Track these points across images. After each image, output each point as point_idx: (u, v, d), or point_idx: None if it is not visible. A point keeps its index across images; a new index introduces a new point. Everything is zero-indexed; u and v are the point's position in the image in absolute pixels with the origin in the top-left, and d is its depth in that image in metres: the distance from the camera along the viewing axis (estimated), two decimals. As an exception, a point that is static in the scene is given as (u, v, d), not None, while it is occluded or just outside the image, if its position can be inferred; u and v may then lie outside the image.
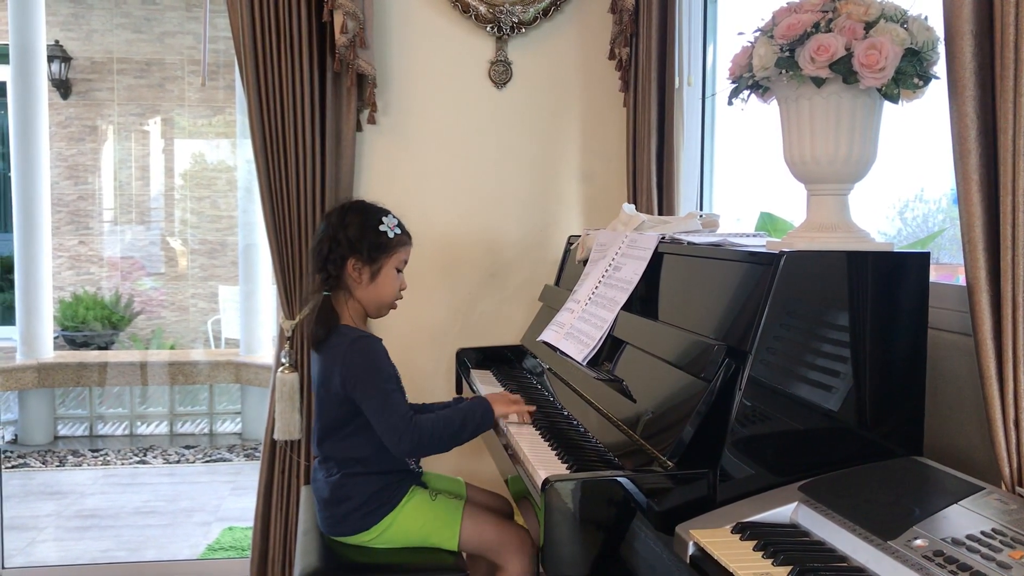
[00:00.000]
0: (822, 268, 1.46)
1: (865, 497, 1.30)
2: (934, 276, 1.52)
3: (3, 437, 5.56)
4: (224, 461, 5.27)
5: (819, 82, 1.44)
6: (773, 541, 1.20)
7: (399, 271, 2.06)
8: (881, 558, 1.10)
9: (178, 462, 5.22)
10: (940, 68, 1.41)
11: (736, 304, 1.54)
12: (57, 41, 7.29)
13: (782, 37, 1.47)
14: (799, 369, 1.44)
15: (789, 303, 1.44)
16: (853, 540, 1.16)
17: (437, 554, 1.98)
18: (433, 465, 2.24)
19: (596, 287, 2.06)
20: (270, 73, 2.60)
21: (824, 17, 1.45)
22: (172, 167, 7.72)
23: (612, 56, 2.82)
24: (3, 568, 3.01)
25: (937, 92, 1.44)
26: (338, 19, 2.55)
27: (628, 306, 1.91)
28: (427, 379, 2.84)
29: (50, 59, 6.82)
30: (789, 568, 1.12)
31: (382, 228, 2.01)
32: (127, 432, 5.80)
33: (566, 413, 1.98)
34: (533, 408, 1.98)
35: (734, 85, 1.63)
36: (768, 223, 2.53)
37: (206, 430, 5.84)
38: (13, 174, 5.68)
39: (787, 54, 1.47)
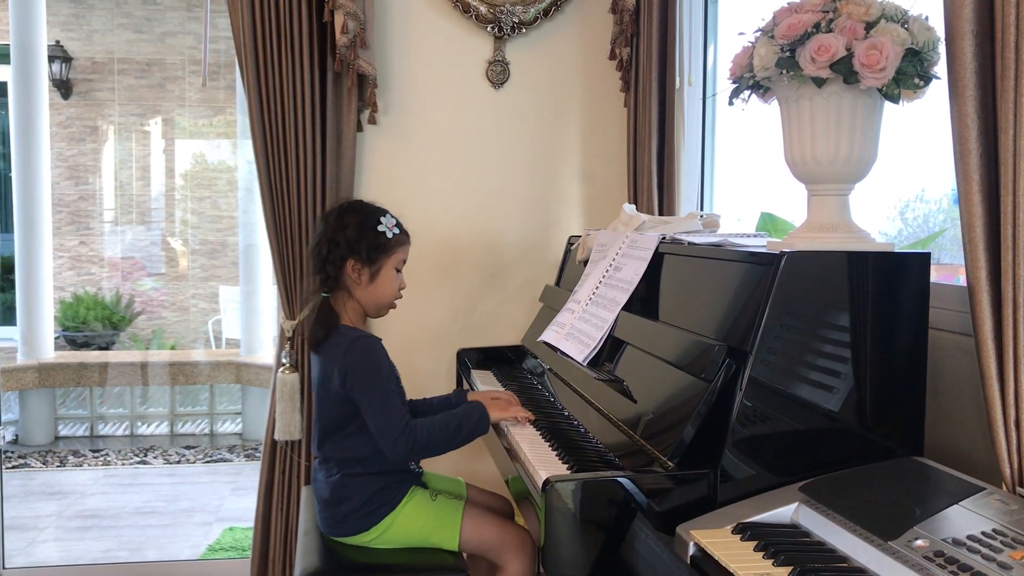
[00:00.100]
0: (823, 268, 1.46)
1: (866, 497, 1.30)
2: (935, 276, 1.52)
3: (4, 437, 5.56)
4: (225, 461, 5.27)
5: (820, 82, 1.44)
6: (774, 541, 1.19)
7: (398, 271, 2.06)
8: (882, 558, 1.10)
9: (179, 462, 5.22)
10: (941, 68, 1.41)
11: (737, 304, 1.53)
12: (58, 41, 7.29)
13: (783, 37, 1.47)
14: (800, 369, 1.44)
15: (790, 303, 1.44)
16: (854, 540, 1.16)
17: (438, 554, 1.98)
18: (434, 465, 2.24)
19: (597, 287, 2.06)
20: (271, 73, 2.60)
21: (825, 17, 1.45)
22: (173, 167, 7.72)
23: (613, 56, 2.82)
24: (4, 568, 3.02)
25: (938, 92, 1.44)
26: (339, 19, 2.55)
27: (629, 306, 1.91)
28: (427, 379, 2.84)
29: (51, 59, 6.81)
30: (790, 568, 1.12)
31: (380, 228, 2.01)
32: (128, 432, 5.81)
33: (567, 413, 1.97)
34: (530, 415, 1.97)
35: (735, 85, 1.63)
36: (769, 223, 2.53)
37: (207, 430, 5.84)
38: (14, 174, 5.68)
39: (788, 54, 1.47)
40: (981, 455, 1.49)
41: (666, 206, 2.62)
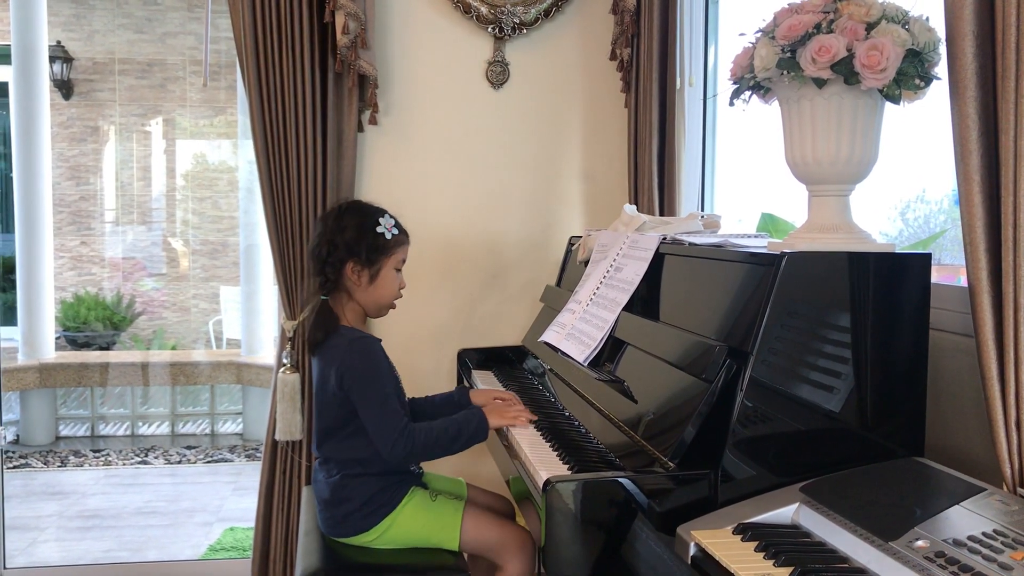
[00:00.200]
0: (823, 269, 1.46)
1: (866, 498, 1.30)
2: (935, 277, 1.52)
3: (5, 437, 5.57)
4: (225, 461, 5.28)
5: (820, 83, 1.44)
6: (774, 542, 1.20)
7: (398, 270, 2.05)
8: (882, 559, 1.10)
9: (179, 462, 5.23)
10: (941, 69, 1.41)
11: (737, 305, 1.54)
12: (59, 41, 7.29)
13: (783, 38, 1.47)
14: (800, 370, 1.44)
15: (790, 304, 1.44)
16: (854, 541, 1.16)
17: (438, 555, 1.98)
18: (434, 466, 2.25)
19: (597, 288, 2.06)
20: (272, 74, 2.60)
21: (825, 18, 1.45)
22: (174, 167, 7.72)
23: (613, 56, 2.82)
24: (5, 568, 3.02)
25: (938, 93, 1.44)
26: (340, 20, 2.55)
27: (629, 307, 1.91)
28: (428, 379, 2.84)
29: (52, 59, 6.82)
30: (790, 569, 1.12)
31: (379, 230, 2.00)
32: (128, 432, 5.81)
33: (567, 414, 1.98)
34: (532, 416, 1.97)
35: (735, 86, 1.63)
36: (769, 224, 2.53)
37: (207, 431, 5.84)
38: (15, 175, 5.69)
39: (788, 55, 1.47)
40: (982, 456, 1.49)
41: (667, 207, 2.62)
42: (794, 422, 1.45)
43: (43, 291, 5.78)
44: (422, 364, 2.87)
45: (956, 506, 1.21)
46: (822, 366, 1.45)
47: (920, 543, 1.11)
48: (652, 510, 1.41)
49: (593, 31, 2.89)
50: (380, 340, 2.05)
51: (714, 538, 1.23)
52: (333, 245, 1.99)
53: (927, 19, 1.44)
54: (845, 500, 1.27)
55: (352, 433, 1.98)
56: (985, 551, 1.07)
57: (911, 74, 1.41)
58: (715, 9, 2.83)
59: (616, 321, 1.90)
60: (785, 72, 1.47)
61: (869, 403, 1.47)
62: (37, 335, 5.73)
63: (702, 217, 2.10)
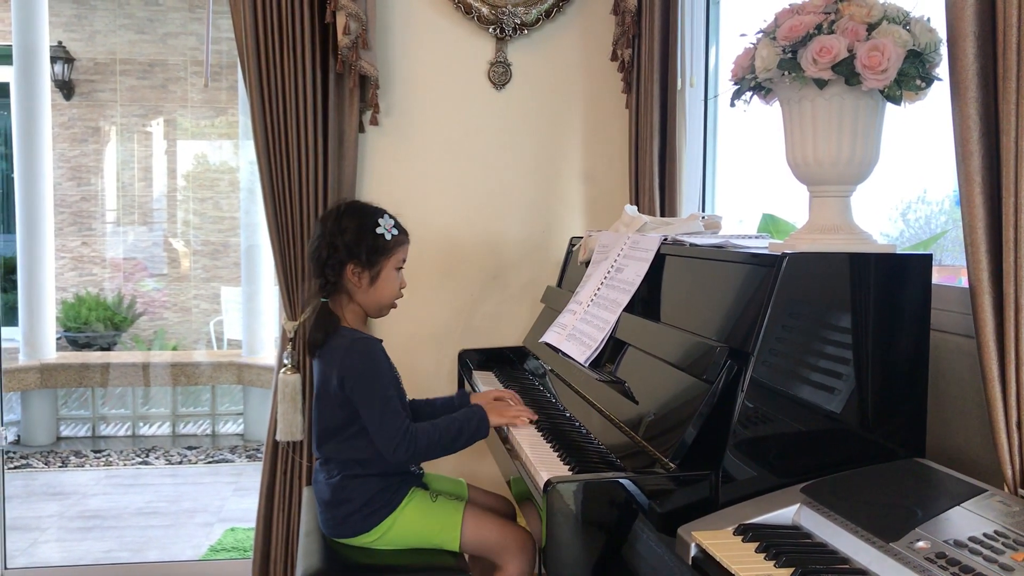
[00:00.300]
0: (824, 270, 1.46)
1: (867, 499, 1.30)
2: (936, 278, 1.52)
3: (6, 438, 5.57)
4: (226, 462, 5.28)
5: (821, 83, 1.44)
6: (775, 543, 1.19)
7: (398, 270, 2.04)
8: (883, 560, 1.10)
9: (180, 463, 5.23)
10: (942, 70, 1.41)
11: (738, 306, 1.54)
12: (60, 42, 7.30)
13: (784, 39, 1.47)
14: (801, 371, 1.44)
15: (791, 305, 1.44)
16: (855, 542, 1.16)
17: (439, 555, 1.98)
18: (435, 466, 2.24)
19: (598, 289, 2.06)
20: (273, 74, 2.60)
21: (826, 19, 1.45)
22: (175, 168, 7.73)
23: (614, 57, 2.82)
24: (5, 569, 3.02)
25: (940, 94, 1.44)
26: (341, 20, 2.55)
27: (630, 308, 1.91)
28: (429, 380, 2.84)
29: (53, 60, 6.82)
30: (791, 570, 1.12)
31: (379, 231, 1.98)
32: (129, 433, 5.81)
33: (568, 414, 1.98)
34: (532, 415, 1.97)
35: (736, 86, 1.63)
36: (770, 225, 2.53)
37: (208, 431, 5.84)
38: (16, 175, 5.69)
39: (789, 55, 1.47)
40: (983, 457, 1.49)
41: (668, 207, 2.62)
42: (795, 423, 1.45)
43: (44, 291, 5.79)
44: (423, 365, 2.87)
45: (957, 507, 1.21)
46: (823, 367, 1.45)
47: (921, 544, 1.11)
48: (653, 511, 1.41)
49: (594, 32, 2.89)
50: (381, 341, 2.05)
51: (715, 539, 1.23)
52: (333, 247, 1.98)
53: (928, 20, 1.44)
54: (846, 501, 1.27)
55: (353, 434, 1.98)
56: (986, 552, 1.07)
57: (912, 75, 1.41)
58: (716, 10, 2.83)
59: (617, 322, 1.90)
60: (786, 73, 1.47)
61: (870, 404, 1.46)
62: (38, 335, 5.74)
63: (703, 218, 2.10)
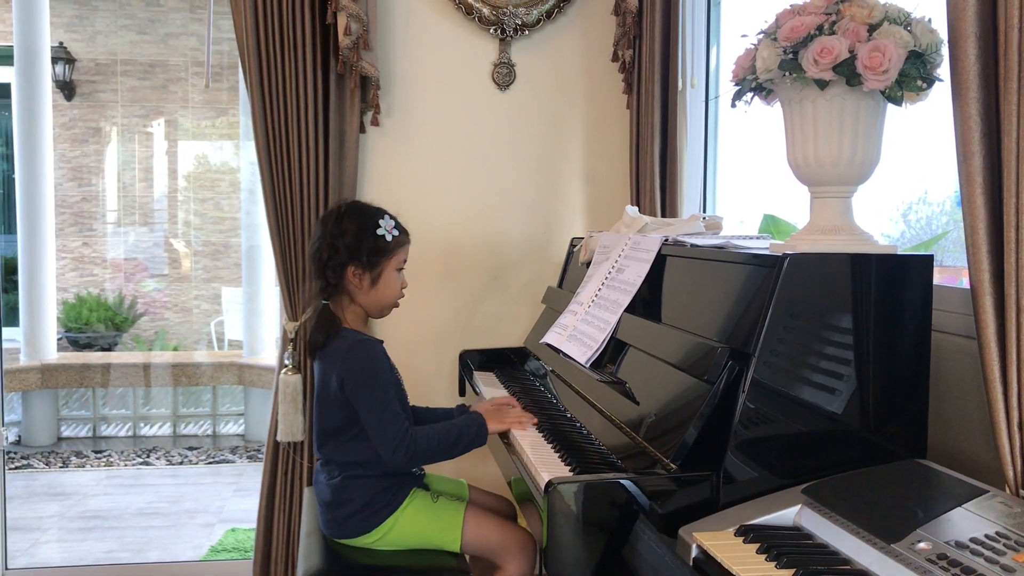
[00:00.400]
0: (825, 270, 1.46)
1: (868, 500, 1.30)
2: (938, 279, 1.51)
3: (7, 438, 5.57)
4: (227, 463, 5.28)
5: (822, 84, 1.44)
6: (776, 544, 1.19)
7: (399, 270, 2.04)
8: (884, 561, 1.10)
9: (181, 463, 5.23)
10: (944, 70, 1.41)
11: (739, 306, 1.53)
12: (61, 43, 7.30)
13: (785, 39, 1.47)
14: (802, 371, 1.44)
15: (792, 305, 1.44)
16: (856, 543, 1.15)
17: (439, 556, 1.98)
18: (436, 467, 2.24)
19: (599, 289, 2.06)
20: (274, 75, 2.60)
21: (827, 19, 1.45)
22: (176, 169, 7.73)
23: (615, 58, 2.82)
24: (6, 569, 3.02)
25: (941, 94, 1.44)
26: (342, 21, 2.55)
27: (631, 308, 1.91)
28: (430, 381, 2.84)
29: (54, 60, 6.83)
30: (792, 571, 1.12)
31: (380, 232, 1.98)
32: (130, 433, 5.81)
33: (569, 415, 1.97)
34: (533, 419, 1.97)
35: (737, 87, 1.63)
36: (771, 225, 2.53)
37: (209, 432, 5.84)
38: (17, 176, 5.70)
39: (790, 56, 1.46)
40: (984, 458, 1.48)
41: (669, 208, 2.62)
42: (796, 424, 1.44)
43: (45, 292, 5.79)
44: (423, 365, 2.86)
45: (958, 508, 1.21)
46: (824, 368, 1.45)
47: (922, 545, 1.11)
48: (654, 512, 1.41)
49: (595, 32, 2.89)
50: (382, 342, 2.04)
51: (716, 540, 1.23)
52: (334, 249, 1.97)
53: (929, 20, 1.44)
54: (847, 502, 1.27)
55: (354, 436, 1.98)
56: (987, 553, 1.07)
57: (913, 75, 1.41)
58: (717, 10, 2.83)
59: (618, 322, 1.90)
60: (787, 73, 1.47)
61: (871, 405, 1.46)
62: (39, 336, 5.74)
63: (704, 218, 2.10)
